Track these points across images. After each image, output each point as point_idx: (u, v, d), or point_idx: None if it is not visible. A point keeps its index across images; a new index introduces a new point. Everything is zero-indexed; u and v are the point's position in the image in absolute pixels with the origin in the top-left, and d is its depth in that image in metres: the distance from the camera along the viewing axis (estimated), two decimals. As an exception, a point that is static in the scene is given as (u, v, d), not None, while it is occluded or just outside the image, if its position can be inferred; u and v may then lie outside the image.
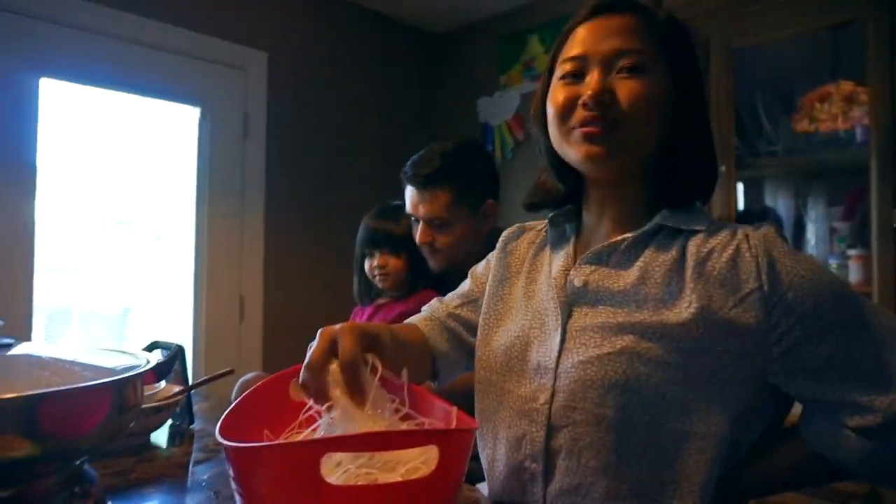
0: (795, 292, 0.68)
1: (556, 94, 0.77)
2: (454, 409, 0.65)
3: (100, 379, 0.62)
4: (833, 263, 1.83)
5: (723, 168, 1.88)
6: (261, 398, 0.71)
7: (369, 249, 1.60)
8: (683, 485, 0.70)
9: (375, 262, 1.58)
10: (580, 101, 0.74)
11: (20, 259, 1.99)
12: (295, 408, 0.76)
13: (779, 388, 0.71)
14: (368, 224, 1.62)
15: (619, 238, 0.77)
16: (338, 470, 0.56)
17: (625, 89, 0.73)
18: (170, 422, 1.11)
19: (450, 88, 3.10)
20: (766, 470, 0.74)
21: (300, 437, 0.62)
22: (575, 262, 0.82)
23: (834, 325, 0.67)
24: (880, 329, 0.68)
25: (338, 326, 0.67)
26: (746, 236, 0.72)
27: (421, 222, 1.42)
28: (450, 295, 0.99)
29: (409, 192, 1.43)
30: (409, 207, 1.44)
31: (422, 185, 1.38)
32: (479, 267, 0.98)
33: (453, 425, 0.63)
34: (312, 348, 0.66)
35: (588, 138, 0.74)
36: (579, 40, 0.76)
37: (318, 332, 0.67)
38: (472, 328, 0.93)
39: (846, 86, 1.81)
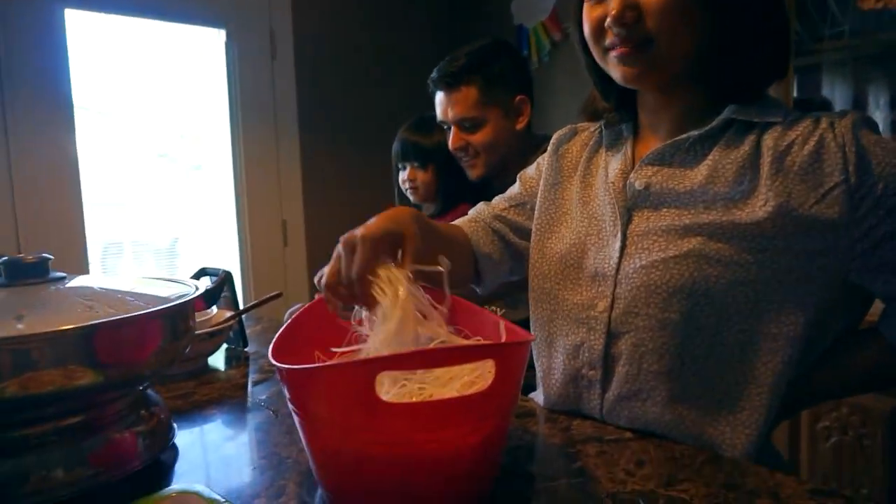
0: (886, 183, 0.62)
1: (587, 16, 0.72)
2: (501, 321, 0.64)
3: (152, 307, 0.62)
4: (900, 153, 1.71)
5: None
6: (310, 319, 0.71)
7: (401, 162, 1.63)
8: (751, 386, 0.68)
9: (405, 175, 1.60)
10: (606, 24, 0.69)
11: (69, 194, 2.03)
12: (344, 327, 0.76)
13: (859, 287, 0.67)
14: (400, 136, 1.64)
15: (684, 136, 0.72)
16: (393, 386, 0.56)
17: (650, 0, 0.66)
18: (225, 346, 1.15)
19: (480, -10, 2.93)
20: (843, 370, 0.72)
21: (352, 356, 0.62)
22: (633, 163, 0.77)
23: None
24: None
25: (358, 232, 0.62)
26: (831, 124, 0.66)
27: (453, 127, 1.39)
28: (497, 198, 0.95)
29: (438, 98, 1.41)
30: (439, 114, 1.43)
31: (448, 84, 1.37)
32: (530, 170, 0.94)
33: (503, 337, 0.62)
34: (329, 264, 0.64)
35: (622, 59, 0.69)
36: None
37: (340, 239, 0.64)
38: (519, 231, 0.90)
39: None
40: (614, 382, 0.73)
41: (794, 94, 1.88)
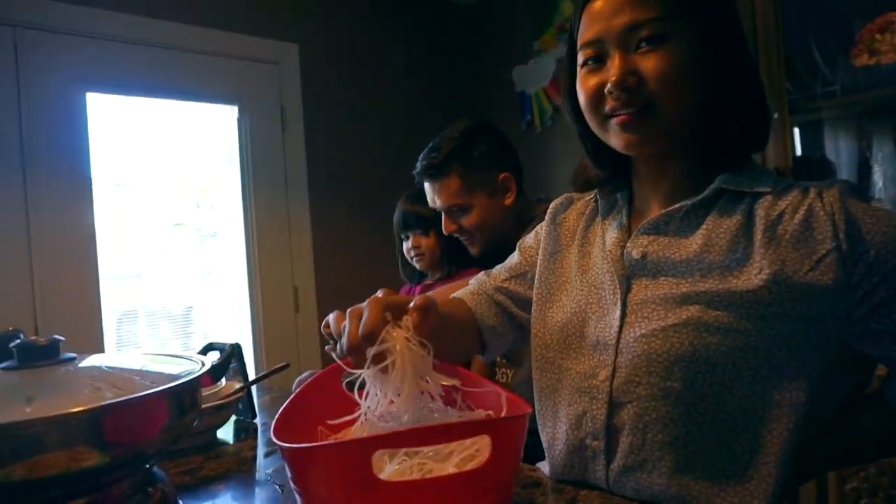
0: (878, 249, 0.63)
1: (583, 84, 0.74)
2: (504, 393, 0.64)
3: (158, 387, 0.63)
4: (903, 206, 1.72)
5: (776, 115, 1.78)
6: (314, 393, 0.72)
7: (403, 232, 1.67)
8: (759, 455, 0.67)
9: (410, 244, 1.64)
10: (606, 90, 0.70)
11: (85, 266, 2.07)
12: (348, 399, 0.77)
13: (861, 353, 0.67)
14: (400, 207, 1.68)
15: (678, 206, 0.73)
16: (391, 462, 0.56)
17: (650, 66, 0.68)
18: (234, 417, 1.15)
19: (484, 60, 3.04)
20: (848, 438, 0.71)
21: (353, 432, 0.63)
22: (630, 232, 0.79)
23: None
24: None
25: (366, 302, 0.63)
26: (819, 194, 0.67)
27: (443, 213, 1.43)
28: (497, 268, 0.96)
29: (426, 188, 1.45)
30: (429, 202, 1.46)
31: (431, 177, 1.41)
32: (528, 239, 0.95)
33: (504, 411, 0.62)
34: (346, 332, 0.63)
35: (623, 127, 0.71)
36: (592, 19, 0.71)
37: (347, 312, 0.64)
38: (520, 302, 0.91)
39: (909, 12, 1.68)
40: (619, 453, 0.73)
41: (799, 150, 1.90)
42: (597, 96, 0.72)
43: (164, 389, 0.63)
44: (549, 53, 2.72)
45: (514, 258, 0.95)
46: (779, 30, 1.78)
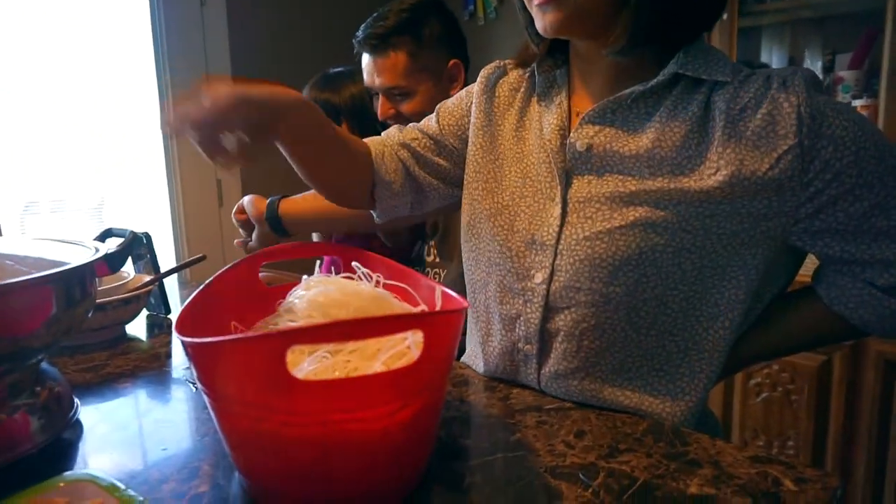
0: (836, 146, 0.59)
1: None
2: (438, 286, 0.59)
3: (37, 273, 0.55)
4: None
5: (725, 16, 1.73)
6: (228, 285, 0.65)
7: None
8: (692, 353, 0.67)
9: None
10: None
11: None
12: (268, 293, 0.70)
13: (796, 249, 0.66)
14: (308, 95, 1.49)
15: (627, 91, 0.66)
16: (313, 359, 0.51)
17: None
18: (146, 312, 1.07)
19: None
20: (781, 331, 0.71)
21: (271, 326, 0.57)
22: (570, 118, 0.72)
23: (873, 180, 0.60)
24: None
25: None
26: (784, 84, 0.61)
27: (381, 95, 1.29)
28: (410, 125, 0.87)
29: (365, 62, 1.29)
30: (366, 79, 1.31)
31: (374, 48, 1.25)
32: (449, 104, 0.85)
33: (439, 304, 0.58)
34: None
35: (541, 6, 0.63)
36: None
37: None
38: (426, 165, 0.83)
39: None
40: (551, 359, 0.70)
41: (735, 57, 1.87)
42: None
43: (45, 276, 0.54)
44: (497, -63, 2.52)
45: (431, 122, 0.86)
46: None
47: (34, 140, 2.03)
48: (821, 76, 1.81)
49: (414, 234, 1.44)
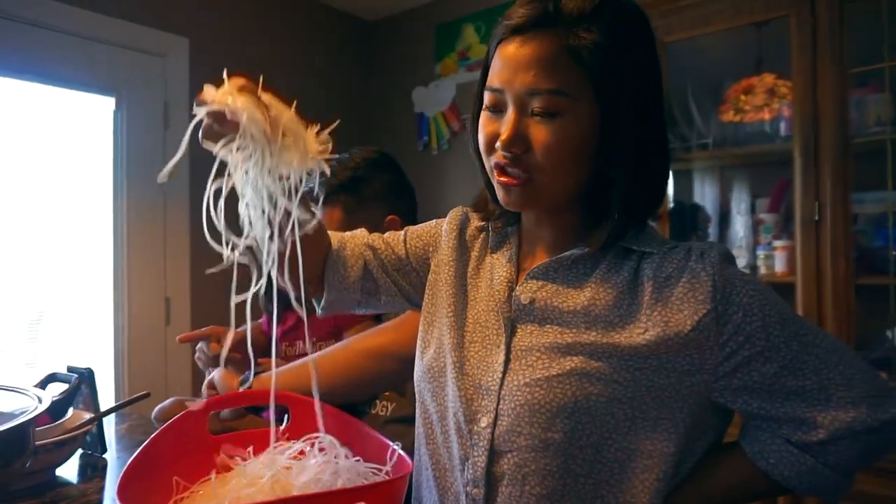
0: (745, 312, 0.67)
1: (482, 127, 0.72)
2: (390, 446, 0.61)
3: (-23, 434, 0.54)
4: (760, 254, 1.89)
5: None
6: (172, 439, 0.65)
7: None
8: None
9: None
10: (497, 144, 0.69)
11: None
12: (211, 446, 0.70)
13: (722, 406, 0.71)
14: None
15: (568, 254, 0.73)
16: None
17: (539, 135, 0.67)
18: (80, 451, 1.02)
19: (385, 77, 3.02)
20: (710, 487, 0.74)
21: (214, 483, 0.57)
22: (518, 273, 0.79)
23: (779, 344, 0.67)
24: (820, 348, 0.68)
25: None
26: (701, 256, 0.70)
27: None
28: (376, 234, 0.90)
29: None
30: None
31: (322, 199, 1.31)
32: (418, 230, 0.89)
33: (388, 466, 0.59)
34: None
35: (505, 188, 0.71)
36: (501, 64, 0.69)
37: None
38: (388, 275, 0.86)
39: (769, 78, 1.86)
40: (498, 502, 0.71)
41: (672, 198, 2.04)
42: (490, 143, 0.71)
43: (-16, 439, 0.54)
44: (450, 78, 2.75)
45: (396, 238, 0.89)
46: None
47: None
48: (746, 218, 1.99)
49: None
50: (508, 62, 0.68)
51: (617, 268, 0.72)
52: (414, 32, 2.90)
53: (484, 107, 0.73)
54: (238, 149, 0.58)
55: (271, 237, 0.62)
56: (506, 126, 0.68)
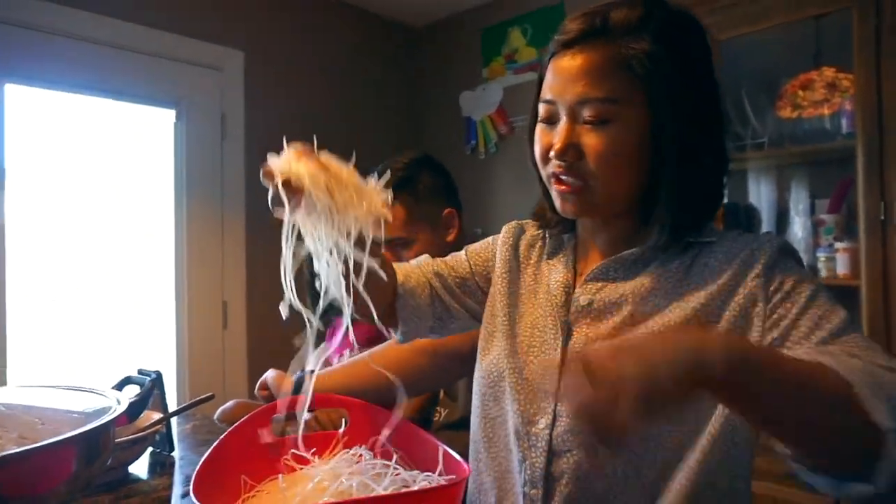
0: (783, 277, 0.68)
1: (537, 139, 0.75)
2: (441, 448, 0.63)
3: (64, 433, 0.58)
4: (821, 255, 1.82)
5: (709, 162, 1.85)
6: (237, 440, 0.68)
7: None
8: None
9: None
10: (550, 154, 0.72)
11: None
12: (272, 447, 0.73)
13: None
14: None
15: (627, 253, 0.75)
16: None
17: (591, 142, 0.69)
18: (150, 449, 1.08)
19: (432, 83, 3.05)
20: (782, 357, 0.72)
21: (278, 484, 0.59)
22: (575, 276, 0.80)
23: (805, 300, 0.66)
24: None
25: None
26: (760, 246, 0.70)
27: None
28: (439, 260, 0.92)
29: None
30: None
31: None
32: (477, 247, 0.92)
33: (439, 467, 0.61)
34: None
35: (561, 195, 0.73)
36: (553, 77, 0.72)
37: None
38: (453, 295, 0.88)
39: (829, 72, 1.80)
40: (555, 502, 0.72)
41: (724, 199, 1.99)
42: (544, 154, 0.73)
43: (67, 438, 0.57)
44: (497, 81, 2.75)
45: (460, 260, 0.91)
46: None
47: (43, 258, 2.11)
48: (804, 219, 1.92)
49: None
50: (560, 74, 0.70)
51: (674, 259, 0.74)
52: (461, 37, 2.92)
53: (539, 119, 0.75)
54: (307, 213, 0.60)
55: (347, 290, 0.66)
56: (559, 135, 0.70)
